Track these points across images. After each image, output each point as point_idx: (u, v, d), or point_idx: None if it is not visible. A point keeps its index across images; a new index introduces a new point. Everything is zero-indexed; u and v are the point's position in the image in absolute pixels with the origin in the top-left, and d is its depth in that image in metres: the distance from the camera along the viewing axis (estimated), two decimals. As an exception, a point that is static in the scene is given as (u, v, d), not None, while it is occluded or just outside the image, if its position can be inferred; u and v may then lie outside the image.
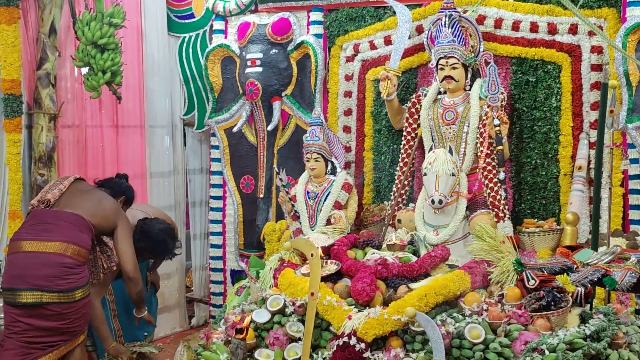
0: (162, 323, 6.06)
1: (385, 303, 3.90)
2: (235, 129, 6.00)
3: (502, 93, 4.71)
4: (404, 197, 5.16)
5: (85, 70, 5.36)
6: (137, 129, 6.07)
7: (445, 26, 4.84)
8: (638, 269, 3.42)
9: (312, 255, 4.07)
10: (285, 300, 4.01)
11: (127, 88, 5.81)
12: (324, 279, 4.11)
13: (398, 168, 5.19)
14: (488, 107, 4.71)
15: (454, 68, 4.82)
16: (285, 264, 4.45)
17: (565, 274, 3.74)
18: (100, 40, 5.27)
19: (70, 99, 5.46)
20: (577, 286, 3.60)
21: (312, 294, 3.88)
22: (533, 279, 3.72)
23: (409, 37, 5.20)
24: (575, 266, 3.77)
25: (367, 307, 3.85)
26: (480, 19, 5.00)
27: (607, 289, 3.50)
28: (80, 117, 5.54)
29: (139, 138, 6.06)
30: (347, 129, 5.72)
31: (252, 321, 3.93)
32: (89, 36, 5.23)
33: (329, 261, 4.34)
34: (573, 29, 4.83)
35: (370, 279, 3.94)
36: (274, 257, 4.61)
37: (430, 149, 4.82)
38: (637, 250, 3.76)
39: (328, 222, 5.08)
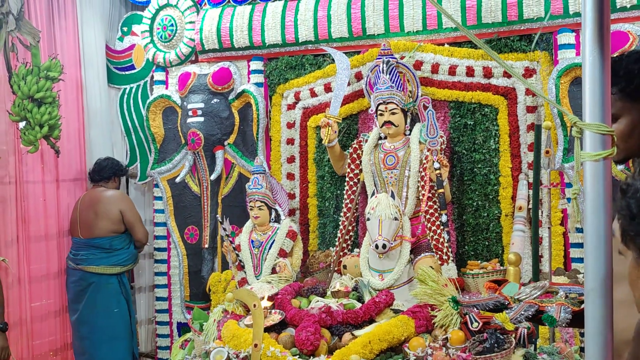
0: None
1: (330, 351, 3.86)
2: (178, 180, 5.93)
3: (441, 137, 4.76)
4: (348, 242, 5.15)
5: (22, 124, 5.28)
6: (79, 182, 5.96)
7: (383, 72, 4.89)
8: (569, 304, 3.46)
9: (254, 305, 4.02)
10: (229, 353, 3.94)
11: (68, 141, 5.72)
12: (268, 329, 4.06)
13: (342, 214, 5.19)
14: (428, 150, 4.74)
15: (393, 113, 4.86)
16: (228, 315, 4.39)
17: (500, 311, 3.75)
18: (37, 94, 5.22)
19: (8, 154, 5.35)
20: (514, 324, 3.60)
21: (256, 345, 3.82)
22: (476, 321, 3.71)
23: (348, 84, 5.25)
24: (507, 302, 3.78)
25: (312, 357, 3.80)
26: (418, 65, 5.07)
27: (547, 326, 3.52)
28: (19, 172, 5.42)
29: (82, 192, 5.94)
30: (290, 176, 5.70)
31: (195, 376, 3.86)
32: (25, 90, 5.17)
33: (272, 311, 4.29)
34: (508, 73, 4.92)
35: (314, 328, 3.89)
36: (218, 309, 4.55)
37: (373, 193, 4.83)
38: (565, 284, 3.80)
39: (273, 271, 5.02)
